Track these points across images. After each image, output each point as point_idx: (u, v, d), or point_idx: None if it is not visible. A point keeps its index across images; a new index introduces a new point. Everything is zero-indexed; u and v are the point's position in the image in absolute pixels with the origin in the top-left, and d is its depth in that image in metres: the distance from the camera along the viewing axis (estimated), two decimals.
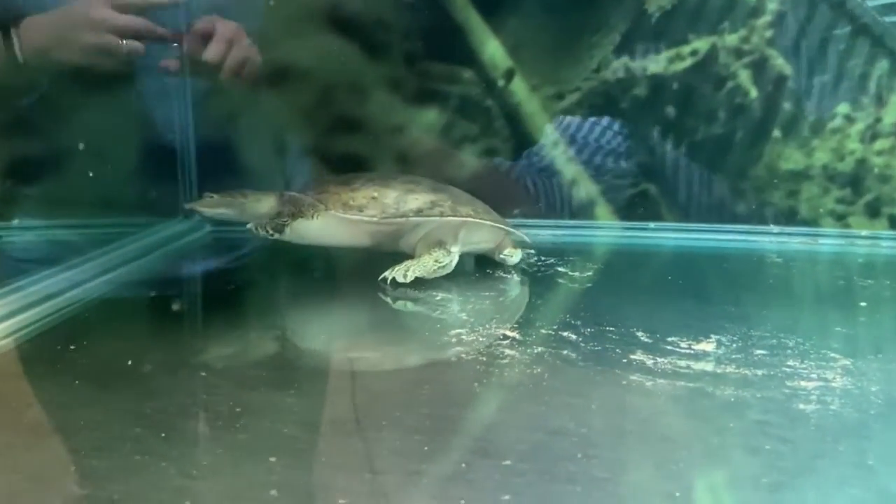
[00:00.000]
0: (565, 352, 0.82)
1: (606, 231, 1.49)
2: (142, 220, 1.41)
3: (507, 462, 0.59)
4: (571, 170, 1.52)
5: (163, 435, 0.62)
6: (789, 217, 1.43)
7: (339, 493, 0.54)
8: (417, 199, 1.10)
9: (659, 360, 0.79)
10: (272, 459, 0.58)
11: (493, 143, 1.54)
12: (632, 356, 0.80)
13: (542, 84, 1.50)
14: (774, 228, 1.41)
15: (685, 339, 0.84)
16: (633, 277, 1.20)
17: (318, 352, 0.89)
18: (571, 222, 1.51)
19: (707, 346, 0.83)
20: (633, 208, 1.50)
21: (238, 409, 0.67)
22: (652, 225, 1.48)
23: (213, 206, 1.13)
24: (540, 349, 0.83)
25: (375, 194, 1.09)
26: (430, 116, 1.54)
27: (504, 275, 1.15)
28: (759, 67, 1.41)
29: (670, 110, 1.47)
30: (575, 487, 0.56)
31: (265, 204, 1.12)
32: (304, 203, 1.07)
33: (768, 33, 1.40)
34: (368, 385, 0.78)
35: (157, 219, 1.44)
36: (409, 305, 1.01)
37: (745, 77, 1.42)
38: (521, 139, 1.53)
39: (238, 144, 1.54)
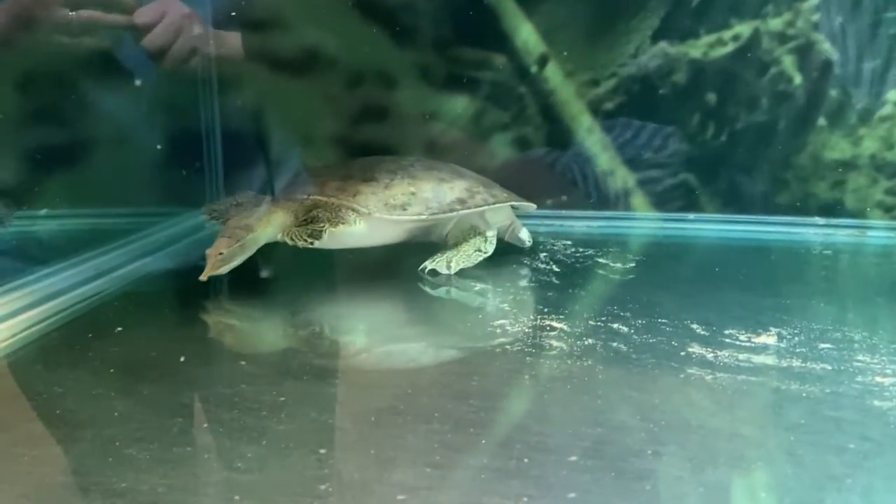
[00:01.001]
0: (616, 344, 0.78)
1: (643, 222, 1.45)
2: (168, 210, 1.38)
3: (573, 458, 0.55)
4: (607, 159, 1.47)
5: (204, 426, 0.59)
6: (834, 209, 1.38)
7: (397, 488, 0.50)
8: (454, 189, 1.07)
9: (719, 353, 0.75)
10: (321, 451, 0.55)
11: (526, 131, 1.50)
12: (689, 349, 0.76)
13: (576, 70, 1.46)
14: (819, 220, 1.36)
15: (743, 332, 0.80)
16: (678, 269, 1.15)
17: (358, 342, 0.85)
18: (607, 213, 1.47)
19: (768, 338, 0.79)
20: (671, 199, 1.45)
21: (281, 399, 0.63)
22: (691, 216, 1.43)
23: (228, 263, 0.96)
24: (590, 341, 0.79)
25: (413, 189, 1.04)
26: (461, 104, 1.49)
27: (541, 265, 1.11)
28: (804, 53, 1.36)
29: (711, 97, 1.42)
30: (645, 485, 0.52)
31: (276, 221, 1.01)
32: (342, 208, 1.00)
33: (814, 17, 1.35)
34: (413, 376, 0.74)
35: (182, 208, 1.41)
36: (450, 294, 0.97)
37: (789, 63, 1.37)
38: (555, 127, 1.48)
39: (263, 133, 1.51)
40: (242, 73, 1.49)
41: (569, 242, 1.26)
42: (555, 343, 0.79)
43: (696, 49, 1.41)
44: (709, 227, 1.41)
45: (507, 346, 0.78)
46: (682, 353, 0.75)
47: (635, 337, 0.80)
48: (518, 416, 0.64)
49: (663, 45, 1.42)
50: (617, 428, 0.61)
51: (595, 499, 0.51)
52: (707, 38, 1.41)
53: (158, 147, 1.37)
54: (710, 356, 0.74)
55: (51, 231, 1.28)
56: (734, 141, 1.42)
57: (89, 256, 1.08)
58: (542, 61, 1.46)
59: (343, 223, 1.00)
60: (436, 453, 0.56)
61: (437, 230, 1.09)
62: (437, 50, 1.48)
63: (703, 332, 0.81)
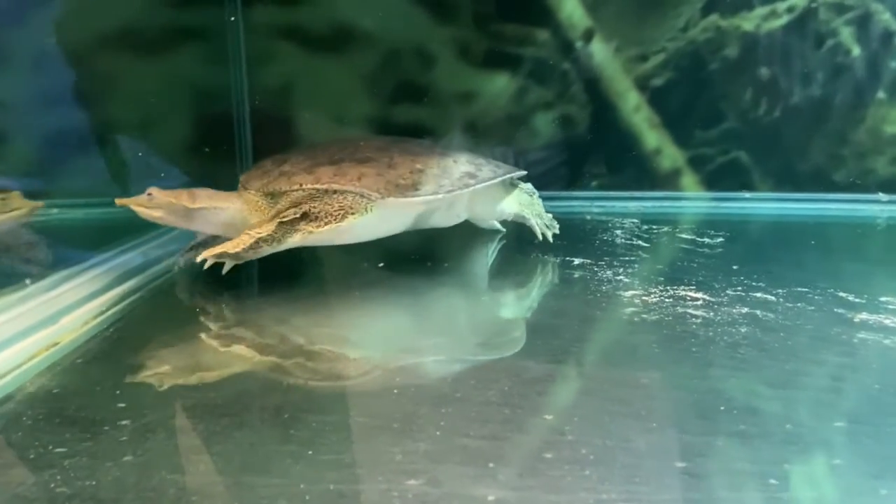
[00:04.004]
0: (768, 313, 0.72)
1: (695, 202, 1.40)
2: None
3: (839, 423, 0.48)
4: (655, 137, 1.42)
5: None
6: (894, 185, 1.35)
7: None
8: (458, 163, 0.92)
9: (887, 318, 0.70)
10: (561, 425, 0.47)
11: (570, 109, 1.44)
12: (854, 315, 0.71)
13: (623, 45, 1.40)
14: (884, 197, 1.33)
15: None
16: (769, 243, 1.11)
17: (503, 317, 0.77)
18: (658, 193, 1.41)
19: None
20: (722, 178, 1.41)
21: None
22: (747, 194, 1.39)
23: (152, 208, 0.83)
24: (744, 309, 0.73)
25: (418, 165, 0.88)
26: (501, 82, 1.43)
27: (624, 241, 1.05)
28: (863, 23, 1.33)
29: (764, 71, 1.38)
30: None
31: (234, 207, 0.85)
32: (348, 196, 0.82)
33: None
34: (588, 346, 0.66)
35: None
36: (555, 269, 0.90)
37: (847, 34, 1.34)
38: (600, 105, 1.42)
39: (295, 114, 1.43)
40: (273, 51, 1.40)
41: (636, 221, 1.21)
42: (705, 313, 0.72)
43: (749, 21, 1.37)
44: (765, 205, 1.37)
45: (648, 316, 0.72)
46: (856, 321, 0.69)
47: (788, 304, 0.74)
48: (724, 382, 0.57)
49: (714, 17, 1.38)
50: (842, 391, 0.54)
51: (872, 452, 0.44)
52: (760, 10, 1.36)
53: (186, 129, 1.28)
54: (887, 321, 0.69)
55: (72, 222, 1.17)
56: (788, 117, 1.38)
57: (115, 253, 0.95)
58: (588, 36, 1.41)
59: (352, 213, 0.82)
60: (688, 421, 0.49)
61: (440, 213, 0.93)
62: (477, 25, 1.42)
63: (856, 300, 0.75)
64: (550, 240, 1.02)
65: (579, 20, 1.40)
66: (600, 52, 1.41)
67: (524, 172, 1.02)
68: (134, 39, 1.16)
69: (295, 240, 0.81)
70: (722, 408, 0.51)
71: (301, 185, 0.82)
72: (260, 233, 0.79)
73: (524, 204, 1.03)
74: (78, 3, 1.09)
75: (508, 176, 0.97)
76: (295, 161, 0.87)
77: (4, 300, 0.64)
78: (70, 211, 1.18)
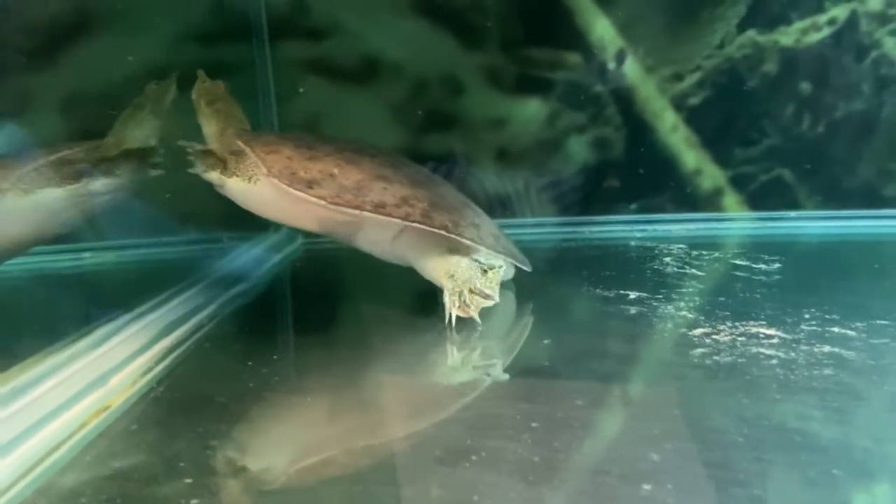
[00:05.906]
0: (845, 351, 0.68)
1: (739, 223, 1.36)
2: (233, 234, 1.24)
3: None
4: (694, 157, 1.38)
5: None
6: None
7: None
8: (387, 191, 0.82)
9: None
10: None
11: (605, 132, 1.40)
12: None
13: (658, 64, 1.37)
14: None
15: None
16: (828, 267, 1.06)
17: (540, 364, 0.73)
18: (700, 215, 1.37)
19: None
20: (765, 197, 1.36)
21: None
22: (792, 213, 1.34)
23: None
24: (825, 347, 0.69)
25: (336, 170, 0.82)
26: (533, 107, 1.40)
27: (676, 270, 1.01)
28: None
29: (805, 87, 1.34)
30: None
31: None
32: (248, 159, 0.83)
33: None
34: (678, 393, 0.62)
35: (248, 232, 1.28)
36: (611, 304, 0.86)
37: (891, 45, 1.29)
38: (636, 126, 1.39)
39: None
40: (301, 85, 1.38)
41: (683, 246, 1.17)
42: (783, 353, 0.68)
43: (788, 36, 1.33)
44: (811, 224, 1.32)
45: (721, 358, 0.68)
46: None
47: (872, 341, 0.70)
48: (824, 440, 0.53)
49: (751, 33, 1.34)
50: None
51: None
52: (799, 24, 1.32)
53: None
54: None
55: (107, 268, 1.14)
56: (833, 132, 1.34)
57: (178, 290, 0.91)
58: (621, 57, 1.37)
59: (238, 175, 0.83)
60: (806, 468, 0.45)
61: (361, 234, 0.87)
62: (505, 51, 1.39)
63: None
64: (451, 324, 0.80)
65: (611, 41, 1.37)
66: (634, 72, 1.37)
67: (481, 248, 0.84)
68: (162, 76, 1.14)
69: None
70: (834, 471, 0.47)
71: (238, 139, 0.85)
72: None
73: (458, 278, 0.82)
74: (108, 41, 1.07)
75: (410, 224, 0.81)
76: (300, 142, 0.86)
77: (54, 360, 0.60)
78: (103, 254, 1.15)
